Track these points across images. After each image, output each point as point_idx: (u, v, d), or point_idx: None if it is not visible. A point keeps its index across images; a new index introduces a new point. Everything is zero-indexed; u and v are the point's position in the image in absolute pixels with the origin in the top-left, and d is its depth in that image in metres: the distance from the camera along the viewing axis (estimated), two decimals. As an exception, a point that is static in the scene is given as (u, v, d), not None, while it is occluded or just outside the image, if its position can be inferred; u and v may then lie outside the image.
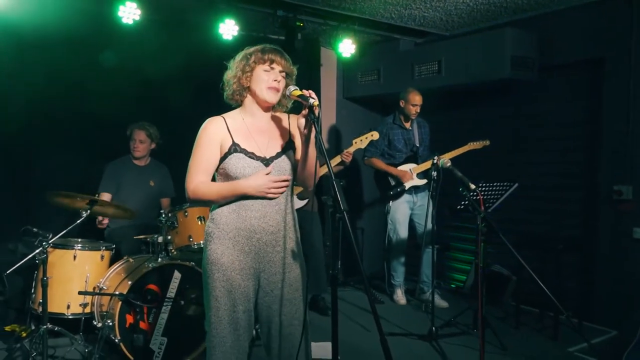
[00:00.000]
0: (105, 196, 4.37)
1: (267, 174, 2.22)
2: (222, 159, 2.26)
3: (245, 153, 2.25)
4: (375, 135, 4.61)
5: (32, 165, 4.82)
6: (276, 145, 2.33)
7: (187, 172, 2.28)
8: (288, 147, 2.36)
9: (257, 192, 2.21)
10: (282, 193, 2.27)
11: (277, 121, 2.38)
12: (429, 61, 5.29)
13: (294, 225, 2.36)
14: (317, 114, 2.12)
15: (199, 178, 2.25)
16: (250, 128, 2.31)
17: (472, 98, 5.52)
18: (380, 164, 5.06)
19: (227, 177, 2.27)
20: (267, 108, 2.35)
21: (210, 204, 2.30)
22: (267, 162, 2.27)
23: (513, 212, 5.06)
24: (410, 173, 4.95)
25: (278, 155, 2.31)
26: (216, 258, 2.25)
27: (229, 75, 2.33)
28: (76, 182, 4.67)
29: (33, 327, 3.68)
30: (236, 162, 2.23)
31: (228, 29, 4.80)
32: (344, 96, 6.26)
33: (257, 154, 2.27)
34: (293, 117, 2.45)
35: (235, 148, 2.25)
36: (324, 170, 4.13)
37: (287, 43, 4.89)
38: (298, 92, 2.22)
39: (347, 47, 5.32)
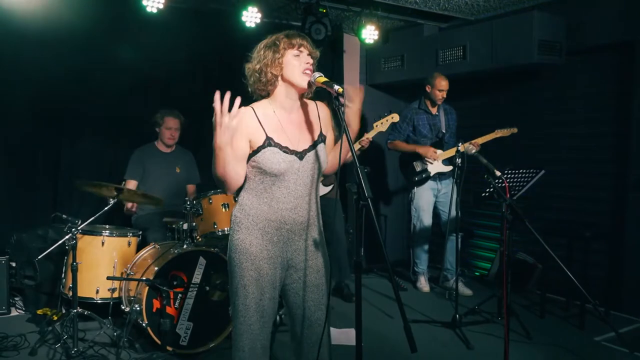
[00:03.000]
0: (132, 183, 4.43)
1: None
2: (255, 152, 2.23)
3: (280, 147, 2.23)
4: (395, 118, 4.58)
5: (61, 153, 4.91)
6: (307, 137, 2.32)
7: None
8: (320, 139, 2.35)
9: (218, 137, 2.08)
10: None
11: (306, 111, 2.36)
12: (453, 46, 5.22)
13: (318, 213, 2.38)
14: (344, 102, 2.10)
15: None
16: (282, 120, 2.28)
17: (498, 84, 5.43)
18: (404, 145, 5.04)
19: (261, 171, 2.24)
20: (300, 96, 2.32)
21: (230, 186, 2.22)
22: (300, 155, 2.27)
23: (539, 199, 4.99)
24: (435, 149, 4.91)
25: (310, 148, 2.30)
26: (245, 248, 2.26)
27: (255, 66, 2.27)
28: (104, 169, 4.76)
29: (64, 311, 3.77)
30: (271, 157, 2.21)
31: (251, 16, 4.81)
32: (368, 83, 6.21)
33: (291, 147, 2.26)
34: (321, 105, 2.43)
35: (269, 142, 2.22)
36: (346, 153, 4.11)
37: (308, 30, 4.86)
38: (323, 79, 2.19)
39: (370, 33, 5.28)
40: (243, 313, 2.26)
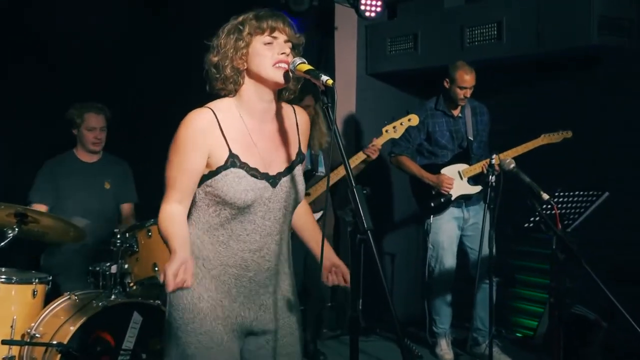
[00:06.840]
0: (40, 208, 4.37)
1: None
2: (214, 173, 2.20)
3: (247, 169, 2.21)
4: (414, 120, 4.60)
5: None
6: (283, 156, 2.31)
7: (165, 186, 2.25)
8: (298, 158, 2.36)
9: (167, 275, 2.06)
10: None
11: (282, 119, 2.36)
12: (485, 23, 5.29)
13: (289, 257, 2.41)
14: (334, 98, 2.08)
15: (173, 203, 2.22)
16: (252, 131, 2.27)
17: (544, 73, 5.49)
18: (410, 165, 5.05)
19: (218, 200, 2.22)
20: (275, 93, 2.30)
21: None
22: (273, 180, 2.26)
23: (602, 231, 5.01)
24: (453, 179, 4.91)
25: (286, 172, 2.30)
26: (191, 302, 2.23)
27: (214, 58, 2.25)
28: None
29: (-60, 391, 3.70)
30: (234, 183, 2.19)
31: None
32: (368, 72, 6.26)
33: (261, 170, 2.24)
34: (300, 111, 2.44)
35: (233, 161, 2.20)
36: (341, 172, 4.11)
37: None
38: (306, 67, 2.18)
39: (371, 3, 5.31)
40: None
